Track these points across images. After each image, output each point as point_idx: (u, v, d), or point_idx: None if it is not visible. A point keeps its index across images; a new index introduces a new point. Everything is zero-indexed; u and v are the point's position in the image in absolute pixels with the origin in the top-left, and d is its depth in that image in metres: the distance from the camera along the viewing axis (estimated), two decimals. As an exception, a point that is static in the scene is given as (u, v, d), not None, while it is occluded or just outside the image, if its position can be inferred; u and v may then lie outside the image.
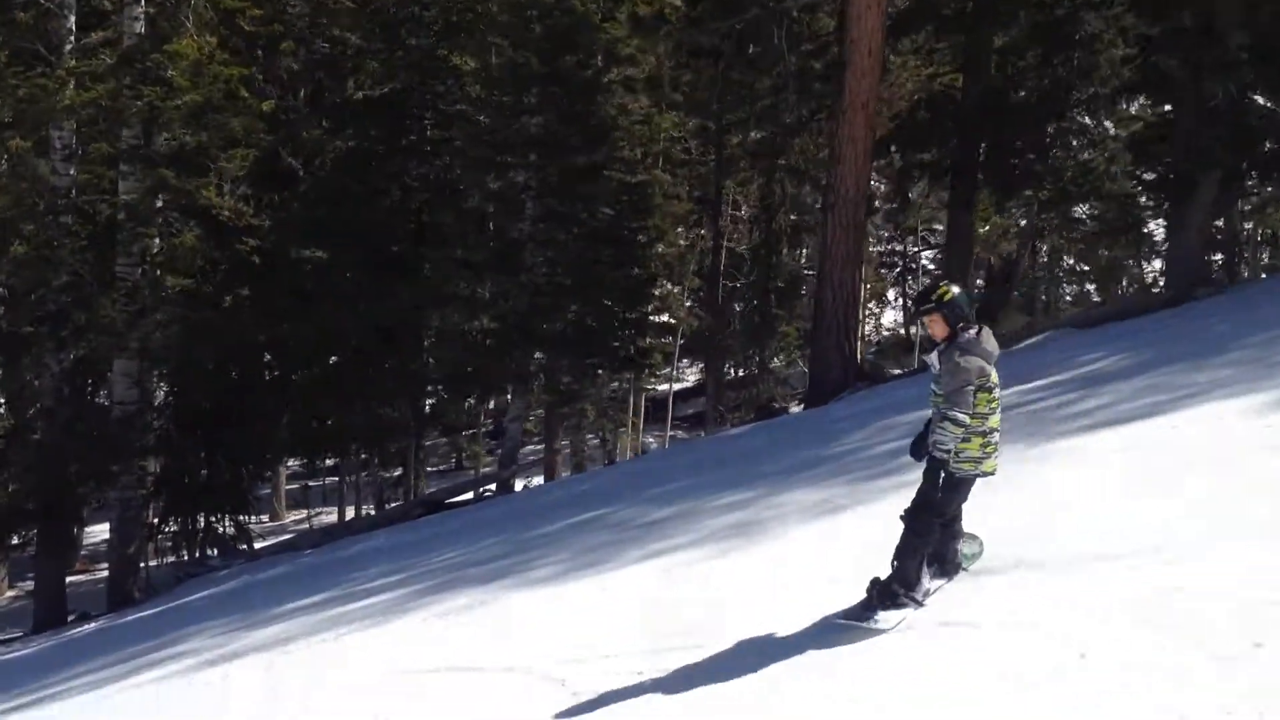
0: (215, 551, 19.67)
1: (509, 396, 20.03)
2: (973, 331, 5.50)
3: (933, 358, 5.64)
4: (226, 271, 19.33)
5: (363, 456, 20.50)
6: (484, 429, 22.04)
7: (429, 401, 20.44)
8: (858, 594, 6.38)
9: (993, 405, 5.56)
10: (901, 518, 5.64)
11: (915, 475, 8.88)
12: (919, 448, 5.72)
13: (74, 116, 16.70)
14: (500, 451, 21.17)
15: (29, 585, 22.10)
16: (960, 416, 5.35)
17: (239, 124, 17.48)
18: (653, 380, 23.60)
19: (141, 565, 18.28)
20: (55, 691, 9.56)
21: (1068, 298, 28.81)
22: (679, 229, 23.63)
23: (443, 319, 19.32)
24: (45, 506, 17.24)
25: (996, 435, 5.66)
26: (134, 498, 18.18)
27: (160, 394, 20.98)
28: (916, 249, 30.96)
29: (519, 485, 19.52)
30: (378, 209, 19.85)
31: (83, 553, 23.96)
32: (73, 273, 16.88)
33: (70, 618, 17.00)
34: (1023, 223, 23.02)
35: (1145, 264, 28.31)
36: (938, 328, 5.54)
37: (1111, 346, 13.02)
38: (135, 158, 17.21)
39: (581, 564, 8.96)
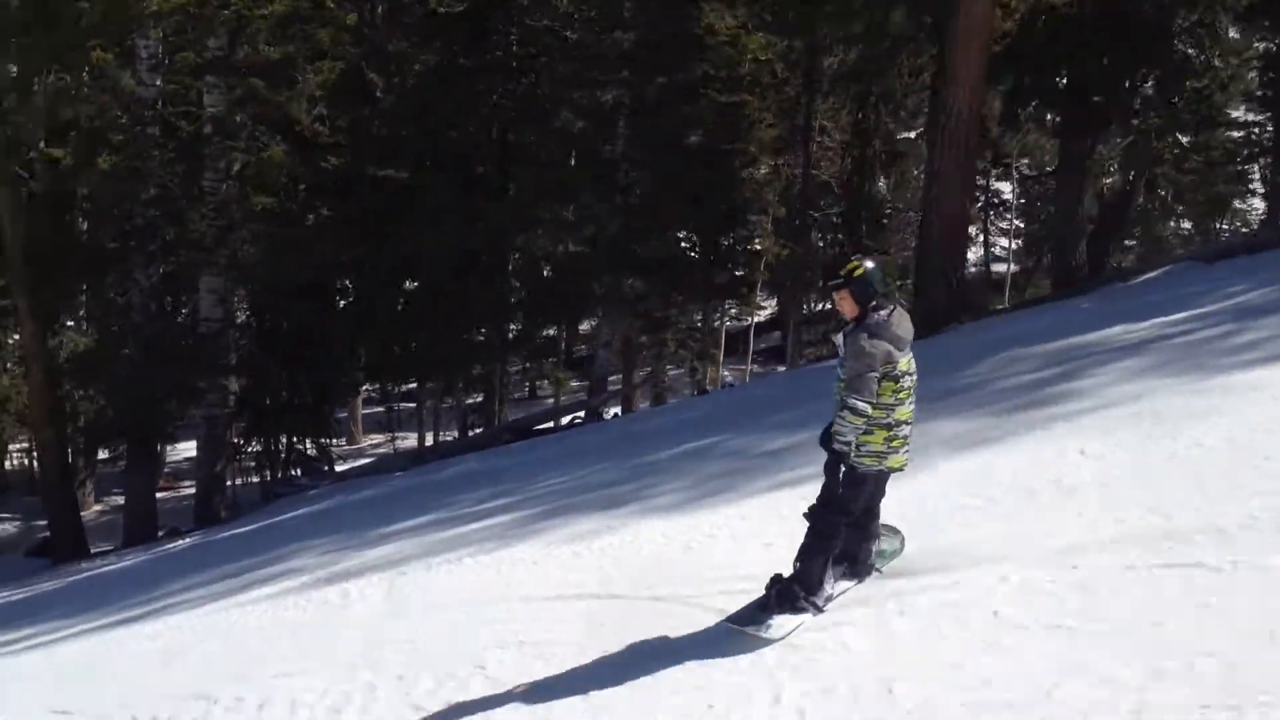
0: (298, 472, 19.62)
1: (593, 323, 19.48)
2: (884, 312, 4.94)
3: (840, 338, 5.13)
4: (308, 189, 18.97)
5: (445, 382, 20.17)
6: (563, 356, 21.51)
7: (513, 327, 19.96)
8: (1016, 528, 5.92)
9: (900, 396, 4.98)
10: (805, 515, 5.12)
11: (1065, 407, 8.44)
12: (827, 436, 5.11)
13: (160, 24, 16.30)
14: (582, 380, 20.79)
15: (114, 500, 22.30)
16: (860, 405, 4.81)
17: (326, 35, 17.00)
18: (744, 309, 22.92)
19: (228, 483, 18.25)
20: (165, 605, 9.37)
21: (1170, 233, 27.54)
22: (763, 156, 22.78)
23: (529, 241, 18.77)
24: (134, 422, 17.20)
25: (906, 429, 5.09)
26: (220, 416, 18.10)
27: (241, 314, 20.86)
28: (1009, 180, 29.75)
29: (607, 414, 19.13)
30: (462, 128, 19.29)
31: (165, 470, 24.07)
32: (160, 186, 16.60)
33: (160, 533, 17.02)
34: (1124, 155, 21.90)
35: (1248, 200, 27.00)
36: (847, 306, 4.97)
37: (1254, 279, 12.14)
38: (221, 68, 16.81)
39: (707, 491, 8.52)
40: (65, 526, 17.13)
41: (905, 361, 4.96)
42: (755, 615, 5.08)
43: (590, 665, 5.30)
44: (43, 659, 8.59)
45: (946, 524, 6.36)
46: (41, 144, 17.60)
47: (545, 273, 19.66)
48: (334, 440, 22.24)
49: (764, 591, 5.14)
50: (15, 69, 17.45)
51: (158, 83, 16.86)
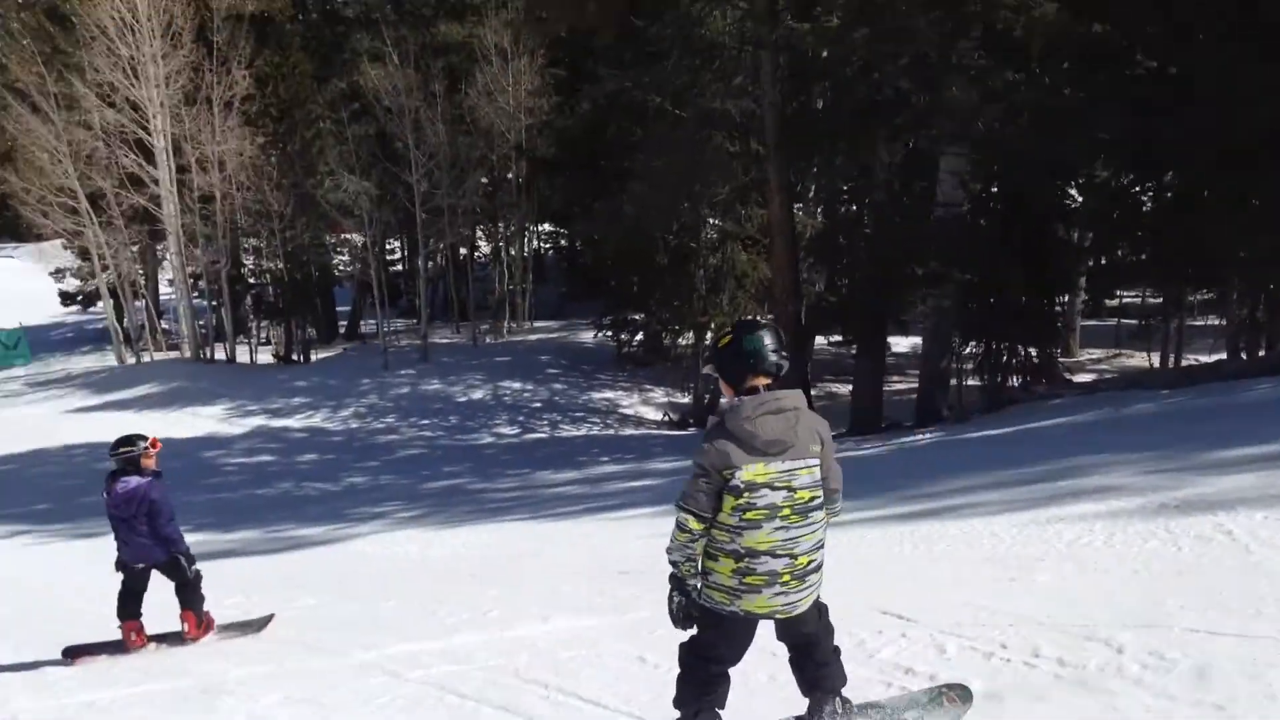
0: (1017, 380, 17.71)
1: None
2: (739, 400, 3.30)
3: None
4: (1075, 58, 16.49)
5: (1218, 291, 16.70)
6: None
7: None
8: None
9: (748, 517, 3.28)
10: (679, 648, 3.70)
11: None
12: None
13: None
14: None
15: (825, 387, 22.32)
16: (683, 518, 3.31)
17: None
18: None
19: (951, 382, 16.96)
20: (946, 505, 8.09)
21: None
22: None
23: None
24: (868, 306, 16.51)
25: (774, 564, 3.31)
26: (949, 308, 16.73)
27: (968, 203, 19.21)
28: None
29: None
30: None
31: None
32: (916, 51, 15.28)
33: (883, 425, 16.26)
34: None
35: None
36: (724, 387, 3.45)
37: None
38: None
39: None
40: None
41: (758, 470, 3.29)
42: None
43: None
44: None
45: None
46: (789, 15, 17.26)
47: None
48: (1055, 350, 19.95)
49: None
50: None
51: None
